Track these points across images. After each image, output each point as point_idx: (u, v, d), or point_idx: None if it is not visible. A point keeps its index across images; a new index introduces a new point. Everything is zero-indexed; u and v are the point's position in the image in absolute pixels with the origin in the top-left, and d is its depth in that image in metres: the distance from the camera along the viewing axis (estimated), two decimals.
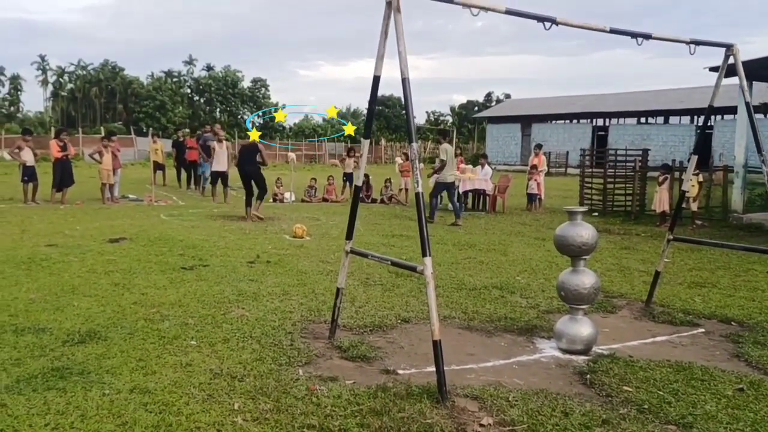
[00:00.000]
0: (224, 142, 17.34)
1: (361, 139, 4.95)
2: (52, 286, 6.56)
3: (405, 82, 3.99)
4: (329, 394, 3.90)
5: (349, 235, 4.93)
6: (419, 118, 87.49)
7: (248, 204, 13.25)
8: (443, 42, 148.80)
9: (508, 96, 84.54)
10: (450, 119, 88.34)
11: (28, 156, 15.39)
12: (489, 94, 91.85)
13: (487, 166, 17.03)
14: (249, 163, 13.31)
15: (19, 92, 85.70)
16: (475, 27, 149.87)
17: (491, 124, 56.84)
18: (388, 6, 4.15)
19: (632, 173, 16.03)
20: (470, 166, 18.02)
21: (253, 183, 13.21)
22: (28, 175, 15.36)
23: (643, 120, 46.51)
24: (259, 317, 5.61)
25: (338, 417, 3.58)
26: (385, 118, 80.00)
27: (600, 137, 47.21)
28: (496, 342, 5.27)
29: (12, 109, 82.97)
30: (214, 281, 6.99)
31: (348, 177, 19.40)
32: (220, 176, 17.08)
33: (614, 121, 47.64)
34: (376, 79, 4.44)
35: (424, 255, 3.94)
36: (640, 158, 16.25)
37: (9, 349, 4.60)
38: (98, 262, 7.86)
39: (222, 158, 16.75)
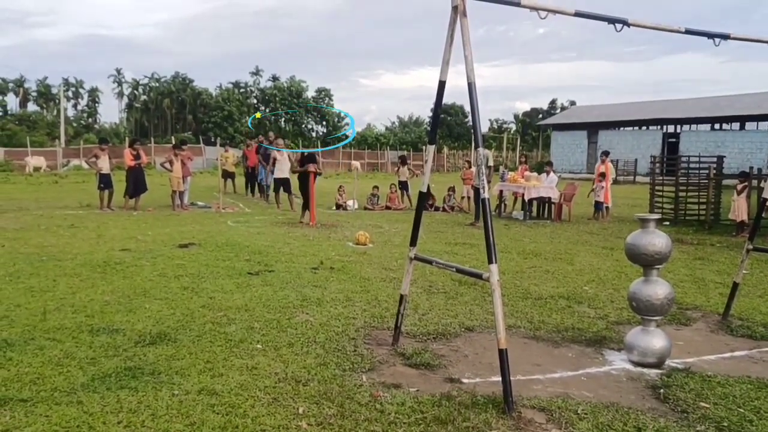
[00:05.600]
0: (284, 150, 17.67)
1: (426, 145, 4.90)
2: (125, 289, 6.79)
3: (471, 86, 3.95)
4: (393, 401, 3.87)
5: (413, 242, 4.90)
6: (482, 127, 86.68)
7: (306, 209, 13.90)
8: (506, 49, 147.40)
9: (573, 103, 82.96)
10: (513, 127, 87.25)
11: (104, 164, 16.00)
12: (553, 101, 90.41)
13: (552, 174, 16.74)
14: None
15: (96, 104, 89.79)
16: (537, 33, 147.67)
17: (556, 132, 55.88)
18: (455, 10, 4.11)
19: (706, 181, 15.42)
20: (535, 174, 17.73)
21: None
22: (104, 182, 15.98)
23: (717, 126, 44.85)
24: (323, 323, 5.64)
25: (402, 424, 3.55)
26: (448, 126, 79.54)
27: (671, 144, 45.74)
28: (564, 353, 5.12)
29: (90, 120, 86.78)
30: (279, 286, 7.08)
31: (402, 185, 19.44)
32: (282, 184, 17.38)
33: (686, 127, 46.08)
34: (442, 84, 4.41)
35: (490, 262, 3.86)
36: (714, 165, 15.62)
37: (85, 349, 4.77)
38: (168, 267, 8.09)
39: (284, 166, 17.05)
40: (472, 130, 4.03)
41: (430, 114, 65.18)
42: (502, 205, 17.65)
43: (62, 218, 13.67)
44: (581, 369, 4.72)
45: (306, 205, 13.83)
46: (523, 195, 16.10)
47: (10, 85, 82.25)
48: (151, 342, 4.96)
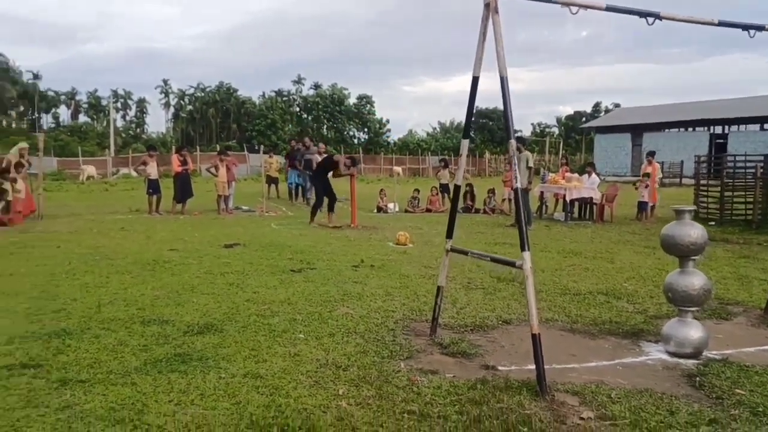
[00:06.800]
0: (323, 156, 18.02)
1: (461, 140, 5.03)
2: (173, 285, 7.09)
3: (503, 81, 4.06)
4: (429, 385, 4.01)
5: (449, 234, 5.04)
6: (525, 131, 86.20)
7: (329, 210, 14.22)
8: (548, 53, 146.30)
9: (617, 106, 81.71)
10: (556, 131, 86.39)
11: (152, 170, 16.56)
12: (597, 105, 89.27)
13: (594, 175, 16.62)
14: (319, 174, 14.45)
15: (144, 114, 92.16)
16: (580, 36, 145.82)
17: (599, 135, 55.18)
18: (486, 8, 4.24)
19: (753, 180, 15.11)
20: (576, 175, 17.63)
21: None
22: (153, 187, 16.53)
23: (767, 126, 43.63)
24: (363, 315, 5.81)
25: (438, 405, 3.68)
26: (489, 131, 79.25)
27: (719, 145, 44.72)
28: (600, 344, 5.18)
29: (138, 130, 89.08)
30: (320, 282, 7.29)
31: (443, 188, 19.55)
32: None
33: (734, 128, 45.00)
34: (475, 80, 4.54)
35: (522, 249, 3.97)
36: (761, 164, 15.29)
37: (138, 337, 5.04)
38: (214, 265, 8.39)
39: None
40: (504, 122, 4.13)
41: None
42: (543, 206, 17.59)
43: (113, 222, 14.20)
44: (617, 359, 4.77)
45: (325, 207, 14.23)
46: (564, 196, 16.04)
47: (62, 97, 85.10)
48: (198, 332, 5.20)
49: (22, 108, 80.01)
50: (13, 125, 72.28)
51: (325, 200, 14.15)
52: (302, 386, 3.98)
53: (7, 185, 13.87)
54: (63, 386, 3.96)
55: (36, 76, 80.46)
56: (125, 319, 5.58)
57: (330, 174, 14.32)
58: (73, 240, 11.01)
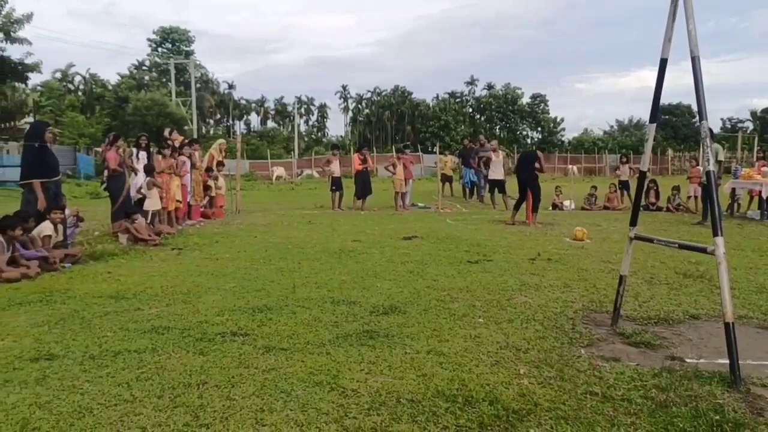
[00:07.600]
0: (500, 152, 17.97)
1: (647, 123, 4.90)
2: (358, 271, 7.57)
3: (695, 60, 3.94)
4: (611, 371, 4.00)
5: (633, 222, 4.92)
6: (713, 127, 79.28)
7: (515, 207, 13.78)
8: (739, 42, 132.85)
9: None
10: (750, 125, 78.54)
11: (336, 168, 17.60)
12: None
13: None
14: (525, 170, 13.88)
15: (325, 119, 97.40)
16: None
17: None
18: None
19: None
20: None
21: (528, 190, 13.69)
22: (336, 184, 17.57)
23: None
24: (541, 304, 5.84)
25: (621, 388, 3.67)
26: (672, 127, 74.10)
27: None
28: None
29: (319, 134, 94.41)
30: (497, 273, 7.40)
31: (623, 185, 18.68)
32: (497, 185, 17.69)
33: None
34: (663, 62, 4.41)
35: (715, 234, 3.82)
36: None
37: (329, 315, 5.49)
38: (395, 255, 8.82)
39: (498, 167, 17.37)
40: (696, 103, 3.98)
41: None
42: (735, 204, 16.20)
43: (301, 216, 15.32)
44: None
45: (518, 204, 13.91)
46: (760, 192, 14.69)
47: (253, 105, 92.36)
48: (383, 312, 5.55)
49: (218, 116, 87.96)
50: (212, 131, 79.58)
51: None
52: (484, 364, 4.14)
53: (210, 182, 15.45)
54: (267, 352, 4.46)
55: (231, 87, 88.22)
56: (317, 299, 6.09)
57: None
58: (267, 231, 12.08)
